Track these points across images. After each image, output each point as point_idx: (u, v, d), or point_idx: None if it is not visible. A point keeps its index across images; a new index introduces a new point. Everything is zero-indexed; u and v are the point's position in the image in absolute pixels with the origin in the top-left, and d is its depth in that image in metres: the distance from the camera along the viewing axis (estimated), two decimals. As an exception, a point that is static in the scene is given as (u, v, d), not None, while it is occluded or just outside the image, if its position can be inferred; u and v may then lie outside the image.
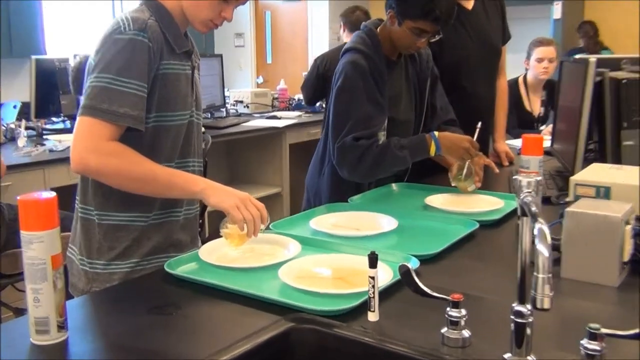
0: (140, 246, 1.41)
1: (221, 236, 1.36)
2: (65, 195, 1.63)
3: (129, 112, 1.26)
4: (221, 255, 1.36)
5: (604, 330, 0.81)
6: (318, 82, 3.68)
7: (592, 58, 1.75)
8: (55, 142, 3.18)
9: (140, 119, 1.28)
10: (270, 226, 1.51)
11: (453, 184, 1.91)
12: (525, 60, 3.62)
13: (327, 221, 1.62)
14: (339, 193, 1.95)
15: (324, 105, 3.94)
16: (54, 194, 0.91)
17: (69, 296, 1.05)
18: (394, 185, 2.04)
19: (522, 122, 3.51)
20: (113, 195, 1.37)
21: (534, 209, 0.82)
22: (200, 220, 1.60)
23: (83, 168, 1.26)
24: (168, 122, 1.37)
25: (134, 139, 1.31)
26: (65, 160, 2.80)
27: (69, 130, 3.49)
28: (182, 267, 1.29)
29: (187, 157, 1.45)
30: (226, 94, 4.57)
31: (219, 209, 1.30)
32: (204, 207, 1.59)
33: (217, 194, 1.30)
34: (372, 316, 1.01)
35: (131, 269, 1.40)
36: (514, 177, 0.91)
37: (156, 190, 1.31)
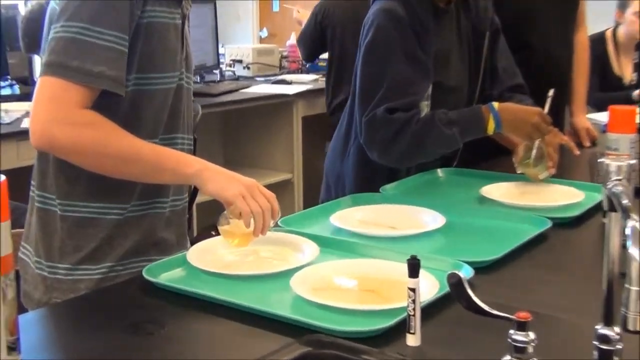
0: (114, 246, 1.42)
1: (215, 235, 1.38)
2: (15, 180, 1.64)
3: (105, 72, 1.27)
4: (216, 258, 1.38)
5: None
6: (316, 34, 3.93)
7: None
8: (0, 113, 3.21)
9: (120, 80, 1.29)
10: (279, 222, 1.53)
11: (519, 171, 1.92)
12: (617, 11, 3.57)
13: (353, 216, 1.64)
14: (368, 180, 1.96)
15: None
16: (2, 177, 0.90)
17: (21, 309, 1.08)
18: (439, 171, 2.05)
19: (608, 90, 3.48)
20: (80, 179, 1.38)
21: (625, 201, 0.82)
22: (188, 215, 1.62)
23: (48, 143, 1.27)
24: (152, 85, 1.38)
25: (108, 107, 1.32)
26: (14, 136, 2.82)
27: (18, 98, 3.51)
28: (167, 274, 1.30)
29: (174, 132, 1.47)
30: (220, 51, 4.59)
31: (219, 198, 1.32)
32: (192, 197, 1.61)
33: (217, 178, 1.31)
34: (412, 340, 1.02)
35: (102, 275, 1.42)
36: (598, 161, 0.91)
37: (140, 173, 1.33)
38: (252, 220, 1.31)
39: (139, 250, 1.45)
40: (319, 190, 2.19)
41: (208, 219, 1.36)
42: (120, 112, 1.35)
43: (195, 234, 2.87)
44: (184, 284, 1.24)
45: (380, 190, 1.85)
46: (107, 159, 1.29)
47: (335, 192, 2.08)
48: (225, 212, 1.34)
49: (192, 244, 1.45)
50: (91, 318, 1.15)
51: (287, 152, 4.24)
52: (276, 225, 1.44)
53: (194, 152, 1.55)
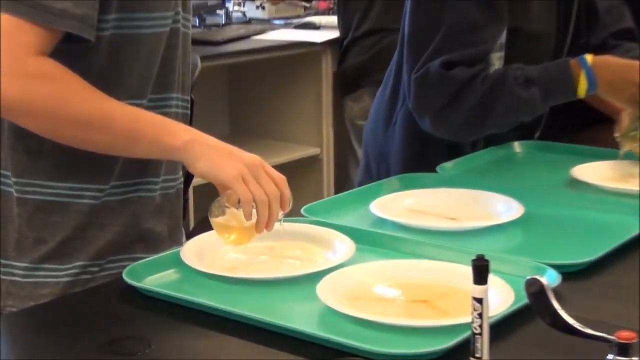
0: (88, 239, 1.43)
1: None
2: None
3: (70, 9, 1.27)
4: (219, 257, 1.39)
5: None
6: None
7: None
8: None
9: (88, 20, 1.29)
10: (302, 211, 1.53)
11: (622, 146, 1.90)
12: None
13: (400, 204, 1.64)
14: (421, 157, 1.97)
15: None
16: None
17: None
18: (516, 146, 2.05)
19: None
20: (44, 151, 1.39)
21: None
22: (183, 200, 1.64)
23: None
24: (138, 29, 1.38)
25: (76, 58, 1.32)
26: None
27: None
28: (155, 277, 1.31)
29: (167, 91, 1.48)
30: (227, -15, 4.59)
31: (212, 179, 1.33)
32: (187, 177, 1.63)
33: (210, 154, 1.32)
34: (478, 365, 1.02)
35: (72, 277, 1.42)
36: None
37: (109, 144, 1.34)
38: (254, 211, 1.31)
39: (120, 246, 1.46)
40: (355, 170, 2.19)
41: (208, 205, 1.37)
42: (95, 65, 1.36)
43: (192, 225, 2.87)
44: (178, 290, 1.24)
45: (437, 169, 1.85)
46: (66, 122, 1.30)
47: (376, 172, 2.08)
48: (219, 198, 1.34)
49: (188, 238, 1.46)
50: (56, 333, 1.15)
51: (313, 119, 4.21)
52: (289, 216, 1.44)
53: (190, 119, 1.56)
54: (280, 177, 1.34)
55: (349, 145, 3.90)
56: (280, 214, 1.34)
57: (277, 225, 1.34)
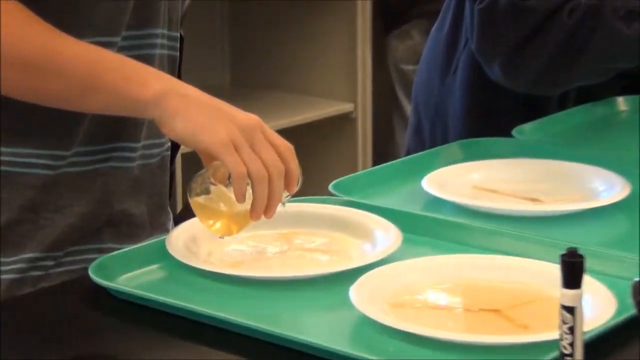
0: (40, 224, 1.44)
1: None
2: None
3: None
4: (218, 248, 1.40)
5: None
6: None
7: None
8: None
9: None
10: (330, 188, 1.54)
11: None
12: None
13: (462, 179, 1.66)
14: (489, 116, 2.02)
15: None
16: None
17: None
18: (620, 102, 2.06)
19: None
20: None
21: None
22: (170, 172, 1.66)
23: None
24: None
25: None
26: None
27: None
28: (132, 275, 1.32)
29: (148, 25, 1.49)
30: None
31: (192, 146, 1.33)
32: (175, 143, 1.64)
33: (190, 111, 1.32)
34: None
35: (19, 274, 1.43)
36: None
37: (61, 92, 1.36)
38: (249, 191, 1.30)
39: (84, 233, 1.47)
40: (402, 133, 2.20)
41: (189, 181, 1.37)
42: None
43: (179, 205, 2.87)
44: (162, 292, 1.24)
45: (513, 133, 1.86)
46: (9, 65, 1.30)
47: (430, 136, 2.10)
48: (202, 171, 1.35)
49: (177, 223, 1.47)
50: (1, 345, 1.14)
51: (343, 64, 4.18)
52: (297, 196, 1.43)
53: (179, 61, 1.58)
54: (286, 145, 1.34)
55: (393, 100, 3.91)
56: (285, 195, 1.33)
57: (279, 208, 1.33)
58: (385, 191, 1.63)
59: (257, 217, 1.32)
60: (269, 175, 1.29)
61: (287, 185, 1.32)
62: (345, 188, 1.59)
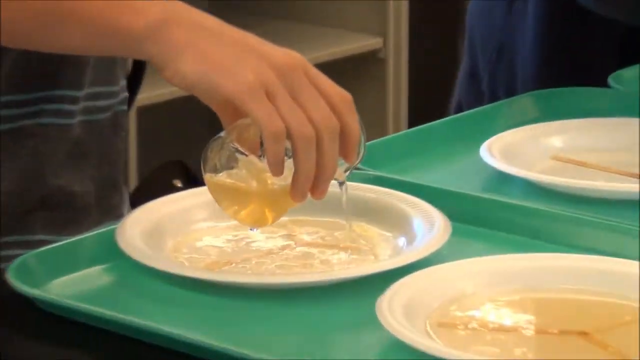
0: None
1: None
2: None
3: None
4: (191, 242, 1.27)
5: None
6: None
7: None
8: None
9: None
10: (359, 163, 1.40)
11: None
12: None
13: (538, 145, 1.53)
14: (573, 55, 1.93)
15: None
16: None
17: None
18: None
19: None
20: None
21: None
22: (123, 134, 1.62)
23: None
24: None
25: None
26: None
27: None
28: (69, 279, 1.18)
29: None
30: None
31: (208, 95, 1.17)
32: (132, 91, 1.66)
33: (200, 44, 1.17)
34: None
35: None
36: None
37: (21, 22, 1.25)
38: (289, 161, 1.13)
39: (7, 219, 1.41)
40: (447, 80, 2.11)
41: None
42: None
43: (135, 181, 2.89)
44: (108, 304, 1.09)
45: (609, 80, 1.73)
46: None
47: (490, 85, 2.00)
48: (222, 134, 1.18)
49: (133, 206, 1.36)
50: None
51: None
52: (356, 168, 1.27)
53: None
54: (342, 95, 1.17)
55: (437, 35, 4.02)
56: (343, 167, 1.17)
57: (335, 188, 1.19)
58: (427, 163, 1.50)
59: (300, 198, 1.17)
60: (317, 134, 1.14)
61: (343, 151, 1.16)
62: (371, 158, 1.40)
